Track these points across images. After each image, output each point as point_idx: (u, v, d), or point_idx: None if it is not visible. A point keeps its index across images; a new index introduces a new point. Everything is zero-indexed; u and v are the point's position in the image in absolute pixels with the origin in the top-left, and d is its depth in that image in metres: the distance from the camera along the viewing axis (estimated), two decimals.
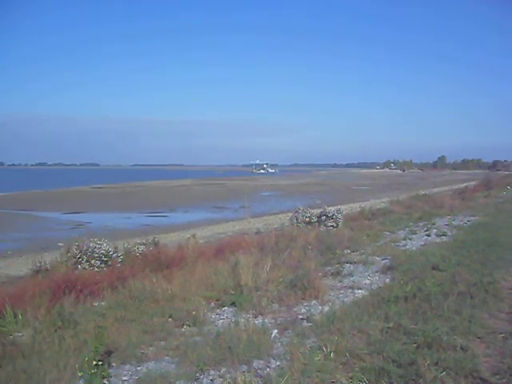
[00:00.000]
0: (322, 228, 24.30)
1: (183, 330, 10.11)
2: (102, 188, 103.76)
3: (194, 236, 18.38)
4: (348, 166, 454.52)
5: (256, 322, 10.29)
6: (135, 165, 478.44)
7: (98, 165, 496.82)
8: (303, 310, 11.16)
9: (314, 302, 11.86)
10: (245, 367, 7.99)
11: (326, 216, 25.46)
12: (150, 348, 9.13)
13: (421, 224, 26.67)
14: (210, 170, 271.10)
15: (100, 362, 7.68)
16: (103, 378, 7.69)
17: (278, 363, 8.11)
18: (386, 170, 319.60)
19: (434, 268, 14.00)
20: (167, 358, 8.70)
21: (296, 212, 26.50)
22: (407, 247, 19.12)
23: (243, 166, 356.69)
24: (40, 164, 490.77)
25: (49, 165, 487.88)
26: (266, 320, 10.41)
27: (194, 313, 10.59)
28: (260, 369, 7.94)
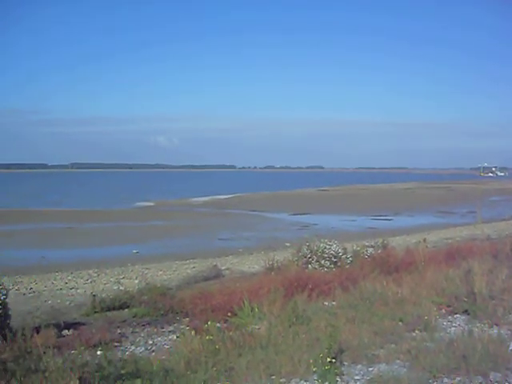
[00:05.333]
0: None
1: (414, 334, 9.98)
2: (326, 190, 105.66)
3: (424, 240, 17.99)
4: None
5: (491, 332, 9.81)
6: (359, 167, 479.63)
7: (322, 167, 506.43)
8: None
9: None
10: (480, 378, 7.68)
11: None
12: (381, 350, 9.14)
13: None
14: (435, 173, 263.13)
15: (333, 360, 7.88)
16: (336, 375, 7.87)
17: None
18: None
19: None
20: (398, 361, 8.65)
21: None
22: None
23: (470, 169, 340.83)
24: (268, 167, 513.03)
25: (276, 168, 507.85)
26: (501, 331, 9.89)
27: (425, 318, 10.41)
28: (497, 382, 7.59)
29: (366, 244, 18.32)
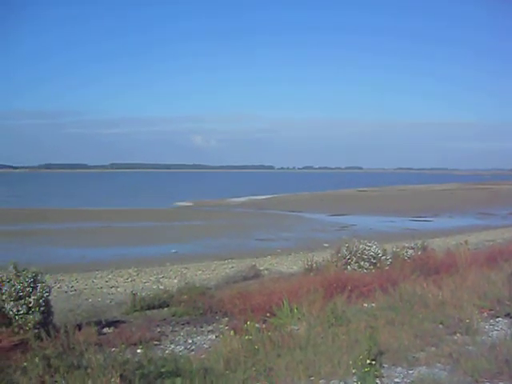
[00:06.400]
0: None
1: (455, 337, 9.84)
2: (365, 191, 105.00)
3: (466, 242, 17.73)
4: None
5: None
6: (398, 168, 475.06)
7: (361, 168, 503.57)
8: None
9: None
10: None
11: None
12: (421, 353, 9.05)
13: None
14: (475, 174, 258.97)
15: (373, 362, 7.83)
16: (376, 377, 7.81)
17: None
18: None
19: None
20: (439, 364, 8.55)
21: None
22: None
23: (509, 170, 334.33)
24: (306, 167, 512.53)
25: (314, 168, 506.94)
26: None
27: (466, 321, 10.26)
28: None
29: (406, 245, 18.12)
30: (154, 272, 24.48)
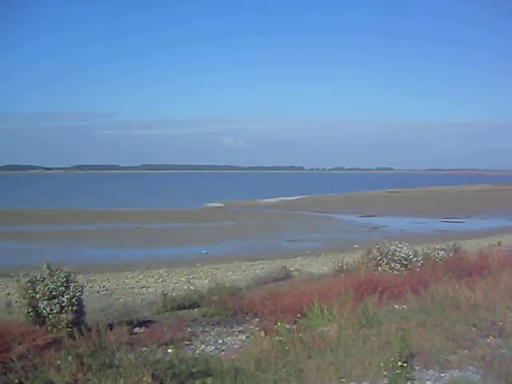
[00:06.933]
0: None
1: (488, 340, 9.71)
2: (396, 192, 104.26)
3: (499, 244, 17.51)
4: None
5: None
6: (429, 169, 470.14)
7: (392, 169, 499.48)
8: None
9: None
10: None
11: None
12: (454, 355, 8.97)
13: None
14: (508, 175, 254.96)
15: (404, 364, 7.78)
16: (407, 379, 7.76)
17: None
18: None
19: None
20: (471, 367, 8.47)
21: None
22: None
23: None
24: (336, 168, 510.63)
25: (344, 169, 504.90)
26: None
27: (500, 324, 10.13)
28: None
29: (437, 247, 17.94)
30: (185, 272, 24.61)
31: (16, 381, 7.80)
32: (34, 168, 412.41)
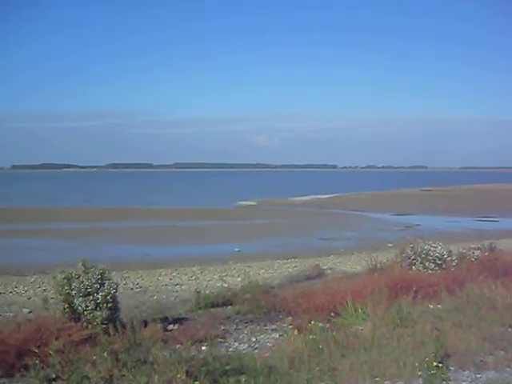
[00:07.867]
0: None
1: None
2: (430, 191, 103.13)
3: None
4: None
5: None
6: (464, 167, 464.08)
7: (426, 167, 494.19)
8: None
9: None
10: None
11: None
12: (490, 356, 8.84)
13: None
14: None
15: (440, 364, 7.70)
16: (443, 380, 7.68)
17: None
18: None
19: None
20: (508, 369, 8.35)
21: None
22: None
23: None
24: (369, 166, 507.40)
25: (378, 167, 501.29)
26: None
27: None
28: None
29: (472, 246, 17.68)
30: (218, 270, 24.73)
31: (53, 375, 7.94)
32: (69, 166, 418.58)
